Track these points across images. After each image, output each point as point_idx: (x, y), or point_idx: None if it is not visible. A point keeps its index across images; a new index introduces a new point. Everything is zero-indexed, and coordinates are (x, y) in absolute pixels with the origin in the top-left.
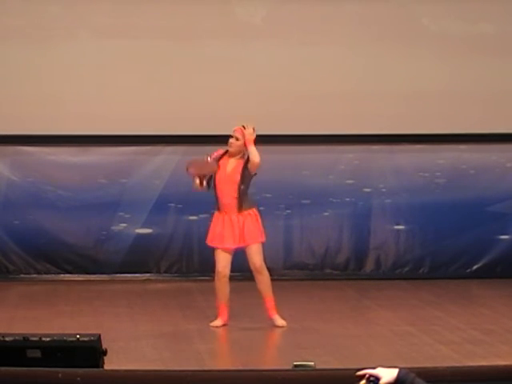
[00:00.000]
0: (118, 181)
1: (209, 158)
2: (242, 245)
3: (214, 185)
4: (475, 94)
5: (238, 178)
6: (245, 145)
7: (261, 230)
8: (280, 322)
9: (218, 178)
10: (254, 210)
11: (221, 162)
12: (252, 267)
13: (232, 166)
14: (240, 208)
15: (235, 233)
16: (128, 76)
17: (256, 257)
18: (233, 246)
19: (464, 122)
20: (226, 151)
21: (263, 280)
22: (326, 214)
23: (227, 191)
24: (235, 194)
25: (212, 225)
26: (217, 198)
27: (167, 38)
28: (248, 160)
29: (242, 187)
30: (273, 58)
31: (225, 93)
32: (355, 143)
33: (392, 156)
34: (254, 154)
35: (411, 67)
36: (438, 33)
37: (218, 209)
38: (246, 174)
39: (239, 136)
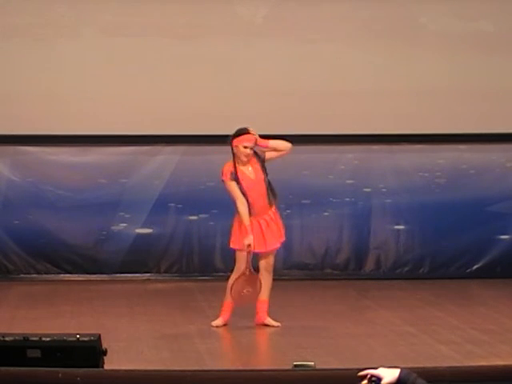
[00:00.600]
0: (118, 181)
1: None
2: (269, 249)
3: (244, 194)
4: (475, 94)
5: (263, 176)
6: (262, 146)
7: (282, 228)
8: (275, 322)
9: (247, 186)
10: (274, 207)
11: (238, 173)
12: (264, 265)
13: (251, 169)
14: (269, 205)
15: (262, 236)
16: (128, 76)
17: (272, 257)
18: (261, 249)
19: (464, 122)
20: (234, 162)
21: (269, 280)
22: (326, 214)
23: (258, 194)
24: (265, 193)
25: (236, 228)
26: (248, 205)
27: (167, 37)
28: (259, 156)
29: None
30: (273, 58)
31: (225, 92)
32: (355, 143)
33: (392, 156)
34: (282, 143)
35: (411, 67)
36: (437, 32)
37: (250, 214)
38: (265, 169)
39: (253, 146)
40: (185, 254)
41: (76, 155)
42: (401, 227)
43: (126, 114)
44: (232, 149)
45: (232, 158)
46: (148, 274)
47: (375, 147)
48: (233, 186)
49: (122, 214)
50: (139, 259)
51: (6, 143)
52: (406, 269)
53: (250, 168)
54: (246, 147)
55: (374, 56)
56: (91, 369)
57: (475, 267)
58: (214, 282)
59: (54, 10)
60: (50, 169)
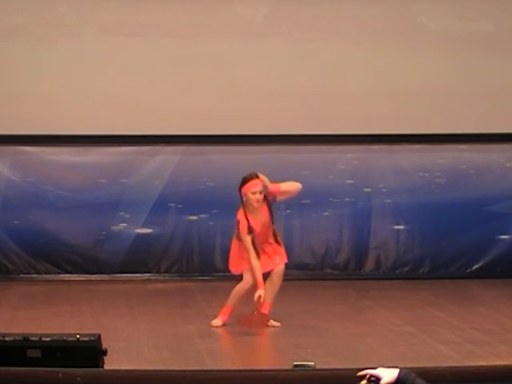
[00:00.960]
0: (118, 181)
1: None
2: (278, 265)
3: (254, 237)
4: (475, 94)
5: (270, 221)
6: (273, 192)
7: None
8: (275, 322)
9: (258, 232)
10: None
11: (251, 222)
12: (277, 270)
13: (260, 214)
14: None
15: (267, 256)
16: (128, 75)
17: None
18: (268, 269)
19: (464, 122)
20: (244, 212)
21: (277, 284)
22: (326, 213)
23: (264, 236)
24: (271, 234)
25: (235, 252)
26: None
27: (168, 37)
28: (267, 199)
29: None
30: (273, 58)
31: (225, 92)
32: (355, 143)
33: (392, 156)
34: (292, 185)
35: (411, 67)
36: (437, 31)
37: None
38: (272, 210)
39: (262, 190)
40: (185, 254)
41: (76, 155)
42: (401, 227)
43: (126, 114)
44: (241, 197)
45: (242, 207)
46: (148, 274)
47: (375, 147)
48: (249, 242)
49: (121, 213)
50: (139, 259)
51: (5, 143)
52: (406, 269)
53: (259, 212)
54: (254, 193)
55: (374, 56)
56: (91, 369)
57: (475, 267)
58: (214, 282)
59: (54, 9)
60: (50, 169)
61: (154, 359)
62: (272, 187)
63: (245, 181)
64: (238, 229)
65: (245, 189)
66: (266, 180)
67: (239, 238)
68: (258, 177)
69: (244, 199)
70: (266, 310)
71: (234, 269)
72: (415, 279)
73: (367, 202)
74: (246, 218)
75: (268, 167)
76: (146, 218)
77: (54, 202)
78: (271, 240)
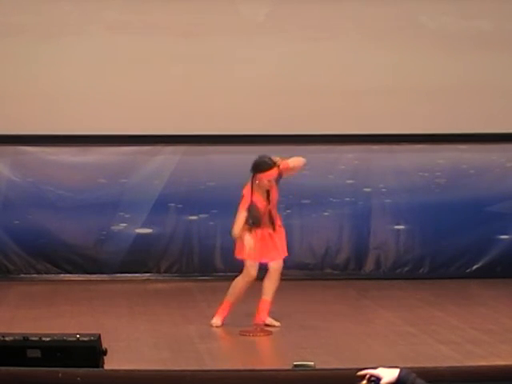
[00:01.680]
0: (118, 181)
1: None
2: (276, 259)
3: (258, 211)
4: (475, 94)
5: (277, 196)
6: (282, 169)
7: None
8: (275, 322)
9: (261, 208)
10: (279, 221)
11: (256, 199)
12: (275, 266)
13: (269, 192)
14: (275, 221)
15: (273, 247)
16: (128, 75)
17: (282, 261)
18: (276, 259)
19: (464, 122)
20: (252, 188)
21: (276, 281)
22: (326, 214)
23: (268, 217)
24: (276, 211)
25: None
26: (257, 217)
27: (169, 36)
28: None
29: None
30: (274, 57)
31: (225, 92)
32: (355, 143)
33: (392, 156)
34: (298, 160)
35: (411, 67)
36: (437, 31)
37: (256, 225)
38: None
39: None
40: (185, 254)
41: (76, 155)
42: (401, 227)
43: (125, 114)
44: (253, 179)
45: (251, 183)
46: (148, 274)
47: (375, 147)
48: (241, 218)
49: (121, 213)
50: (139, 259)
51: (5, 143)
52: (406, 269)
53: (269, 190)
54: (269, 180)
55: (374, 55)
56: (91, 369)
57: (475, 267)
58: (214, 281)
59: (57, 8)
60: (50, 169)
61: (154, 359)
62: (282, 164)
63: (263, 168)
64: (241, 200)
65: (263, 176)
66: (279, 161)
67: (257, 225)
68: (273, 166)
69: (256, 182)
70: (265, 309)
71: (240, 255)
72: (415, 279)
73: (367, 201)
74: (252, 194)
75: None
76: (146, 218)
77: (55, 202)
78: (276, 227)
